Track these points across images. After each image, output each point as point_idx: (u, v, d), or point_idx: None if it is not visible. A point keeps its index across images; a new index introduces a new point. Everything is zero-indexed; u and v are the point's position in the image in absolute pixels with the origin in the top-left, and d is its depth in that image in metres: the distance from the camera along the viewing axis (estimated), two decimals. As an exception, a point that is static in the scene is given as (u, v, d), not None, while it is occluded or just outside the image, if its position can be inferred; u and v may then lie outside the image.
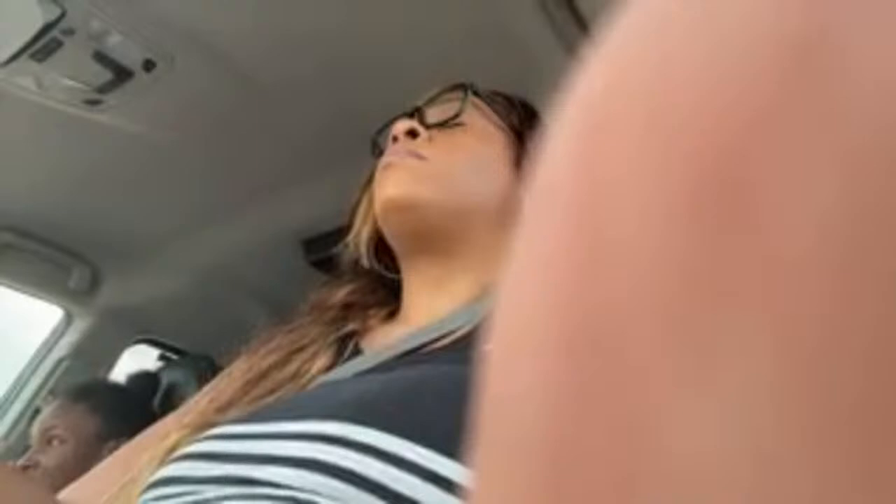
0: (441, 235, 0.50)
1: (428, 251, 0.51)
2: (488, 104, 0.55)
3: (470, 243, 0.50)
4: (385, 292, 0.57)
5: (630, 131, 0.08)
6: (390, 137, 0.53)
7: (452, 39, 0.71)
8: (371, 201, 0.58)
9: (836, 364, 0.06)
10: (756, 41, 0.07)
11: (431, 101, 0.55)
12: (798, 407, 0.06)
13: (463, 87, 0.56)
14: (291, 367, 0.46)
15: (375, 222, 0.56)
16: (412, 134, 0.52)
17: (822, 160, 0.06)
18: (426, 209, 0.49)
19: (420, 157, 0.50)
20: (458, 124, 0.53)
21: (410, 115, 0.55)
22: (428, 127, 0.53)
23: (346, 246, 0.59)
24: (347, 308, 0.54)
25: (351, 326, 0.51)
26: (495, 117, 0.55)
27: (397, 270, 0.56)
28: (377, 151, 0.59)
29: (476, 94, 0.55)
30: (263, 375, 0.46)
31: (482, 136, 0.53)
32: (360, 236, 0.57)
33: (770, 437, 0.06)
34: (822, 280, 0.06)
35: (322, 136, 0.87)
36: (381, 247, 0.56)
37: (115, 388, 1.16)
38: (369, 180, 0.60)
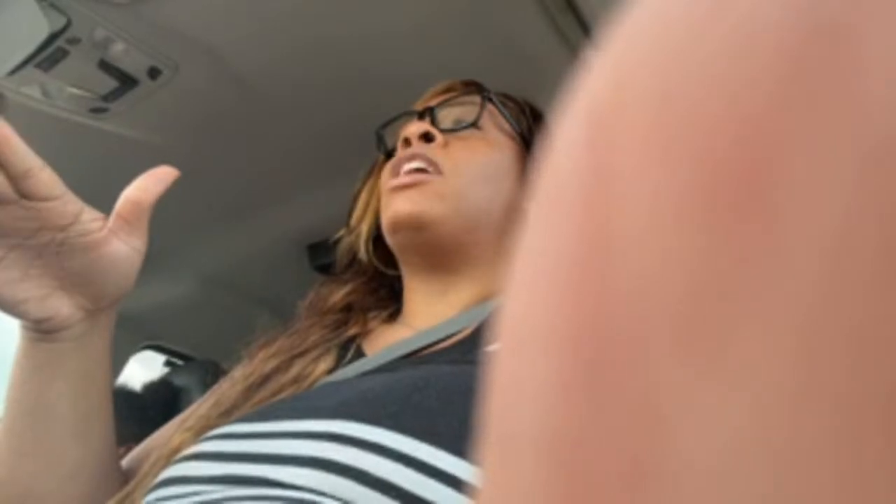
0: (449, 252, 0.49)
1: (434, 266, 0.51)
2: (500, 111, 0.55)
3: (475, 256, 0.50)
4: (384, 291, 0.57)
5: (637, 126, 0.08)
6: (402, 139, 0.52)
7: (455, 46, 0.71)
8: (371, 195, 0.58)
9: (858, 358, 0.06)
10: (765, 33, 0.07)
11: (444, 103, 0.54)
12: (816, 403, 0.06)
13: (478, 91, 0.55)
14: (293, 371, 0.46)
15: (375, 218, 0.56)
16: (426, 137, 0.51)
17: (840, 147, 0.06)
18: (437, 228, 0.48)
19: (434, 169, 0.49)
20: (473, 130, 0.53)
21: (421, 115, 0.54)
22: (442, 131, 0.52)
23: (345, 237, 0.58)
24: (348, 310, 0.54)
25: (352, 330, 0.51)
26: (507, 125, 0.54)
27: (395, 266, 0.55)
28: (383, 147, 0.58)
29: (490, 100, 0.54)
30: (265, 379, 0.46)
31: (495, 145, 0.53)
32: (359, 232, 0.56)
33: (785, 434, 0.06)
34: (845, 271, 0.06)
35: (326, 141, 0.87)
36: (379, 242, 0.56)
37: (123, 393, 1.16)
38: (370, 172, 0.60)
